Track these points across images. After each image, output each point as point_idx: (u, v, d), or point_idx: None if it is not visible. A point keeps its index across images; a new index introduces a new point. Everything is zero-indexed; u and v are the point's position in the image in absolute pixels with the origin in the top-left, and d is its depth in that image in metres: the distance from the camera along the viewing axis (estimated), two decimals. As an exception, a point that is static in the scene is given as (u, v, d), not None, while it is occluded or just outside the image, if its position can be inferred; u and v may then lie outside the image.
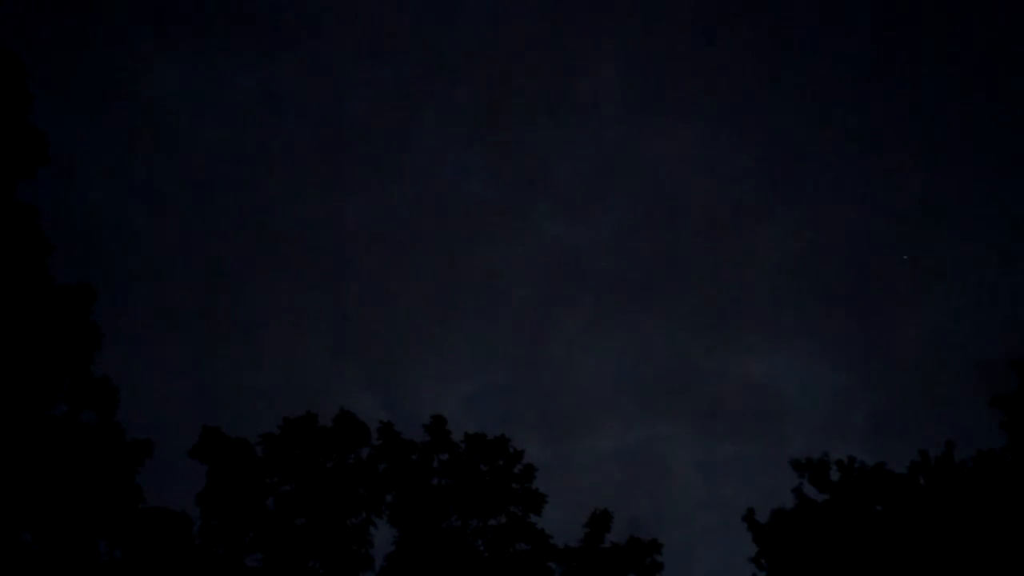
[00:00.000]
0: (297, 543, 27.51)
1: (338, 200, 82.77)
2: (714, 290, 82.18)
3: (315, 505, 28.04)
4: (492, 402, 73.76)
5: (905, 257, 74.30)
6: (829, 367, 75.05)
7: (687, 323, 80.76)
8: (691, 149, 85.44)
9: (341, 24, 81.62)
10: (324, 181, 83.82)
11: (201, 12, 78.36)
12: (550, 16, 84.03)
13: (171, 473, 27.60)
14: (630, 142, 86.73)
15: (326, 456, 28.75)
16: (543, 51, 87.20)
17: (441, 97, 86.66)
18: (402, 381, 72.71)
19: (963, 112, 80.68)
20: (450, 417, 29.97)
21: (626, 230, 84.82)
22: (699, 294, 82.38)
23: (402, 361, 75.24)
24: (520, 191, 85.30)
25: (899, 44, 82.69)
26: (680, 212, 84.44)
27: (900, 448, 56.00)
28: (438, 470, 29.63)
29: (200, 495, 27.72)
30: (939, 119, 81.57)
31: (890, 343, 75.16)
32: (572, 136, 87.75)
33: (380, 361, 74.69)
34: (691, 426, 73.43)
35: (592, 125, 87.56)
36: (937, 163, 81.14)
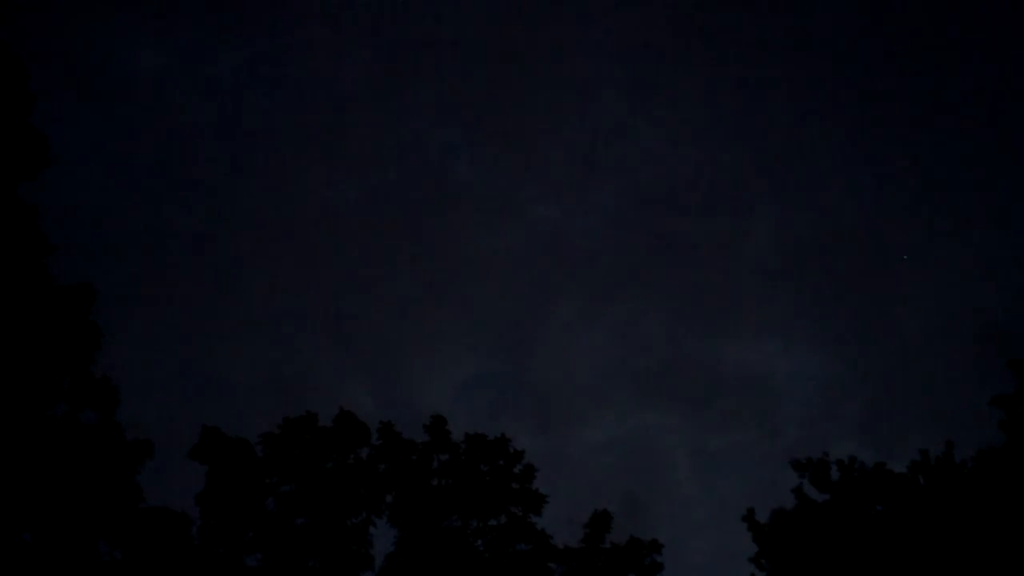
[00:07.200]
0: (297, 543, 27.56)
1: (327, 187, 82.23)
2: (708, 278, 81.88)
3: (315, 505, 28.09)
4: (483, 391, 73.72)
5: (905, 257, 74.30)
6: (824, 357, 74.91)
7: (680, 311, 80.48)
8: (686, 135, 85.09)
9: (330, 6, 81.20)
10: (314, 168, 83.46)
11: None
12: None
13: (171, 473, 27.66)
14: (624, 127, 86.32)
15: (326, 456, 28.80)
16: (536, 35, 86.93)
17: (431, 81, 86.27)
18: (392, 370, 72.49)
19: (963, 107, 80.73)
20: (441, 406, 30.11)
21: (619, 217, 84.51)
22: (693, 282, 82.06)
23: (392, 350, 75.05)
24: (511, 176, 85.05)
25: (898, 36, 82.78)
26: (674, 199, 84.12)
27: (895, 441, 56.22)
28: (438, 470, 29.67)
29: (200, 495, 27.77)
30: (938, 112, 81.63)
31: (886, 334, 75.15)
32: (565, 121, 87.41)
33: (370, 350, 74.55)
34: (684, 415, 73.36)
35: (585, 109, 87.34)
36: (936, 156, 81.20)
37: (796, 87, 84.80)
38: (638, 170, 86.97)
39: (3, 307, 22.10)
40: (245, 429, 28.86)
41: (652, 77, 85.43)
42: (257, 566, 27.34)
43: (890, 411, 65.24)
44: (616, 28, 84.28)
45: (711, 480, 69.29)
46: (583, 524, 29.75)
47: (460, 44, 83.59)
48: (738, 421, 71.12)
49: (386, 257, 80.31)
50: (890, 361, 72.65)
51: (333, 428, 29.17)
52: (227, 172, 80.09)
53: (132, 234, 73.45)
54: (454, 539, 28.76)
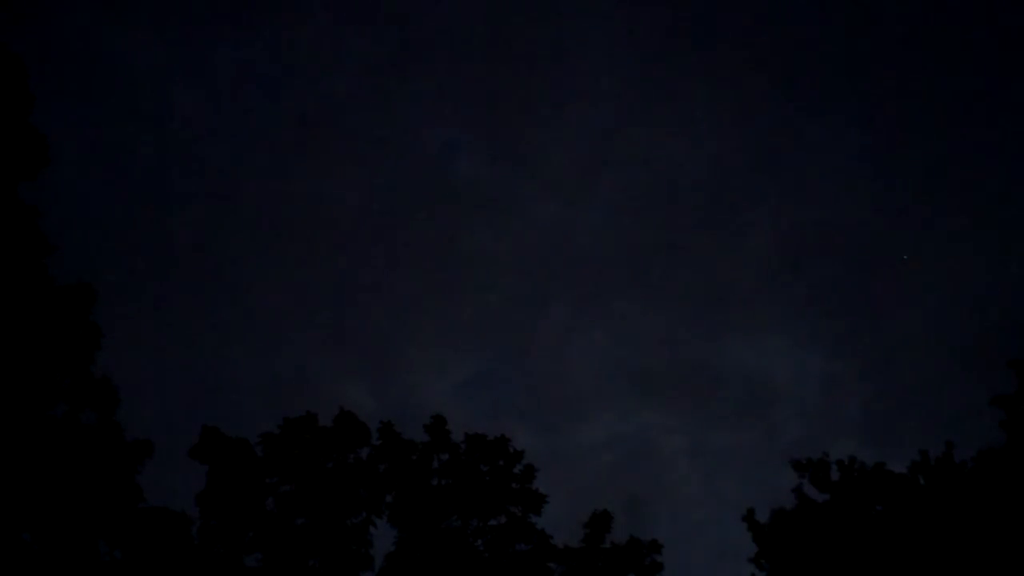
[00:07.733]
0: (297, 543, 27.55)
1: (327, 187, 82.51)
2: (708, 277, 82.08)
3: (315, 505, 28.08)
4: (483, 391, 73.83)
5: (905, 257, 74.35)
6: (824, 357, 75.14)
7: (681, 310, 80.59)
8: (686, 135, 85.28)
9: (329, 5, 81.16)
10: (313, 168, 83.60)
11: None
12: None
13: (171, 473, 27.66)
14: (624, 126, 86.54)
15: (326, 456, 28.79)
16: (537, 33, 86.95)
17: (431, 79, 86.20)
18: (392, 370, 72.58)
19: (963, 107, 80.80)
20: (441, 407, 30.11)
21: (619, 216, 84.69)
22: (693, 281, 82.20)
23: (392, 350, 75.08)
24: (511, 176, 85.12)
25: (898, 36, 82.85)
26: (674, 198, 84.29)
27: (895, 441, 56.27)
28: (438, 470, 29.67)
29: (200, 495, 27.78)
30: (938, 112, 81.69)
31: (887, 334, 75.23)
32: (565, 120, 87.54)
33: (370, 350, 74.57)
34: (684, 415, 73.50)
35: (586, 108, 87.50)
36: (937, 156, 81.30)
37: (796, 87, 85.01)
38: (638, 169, 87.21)
39: (3, 307, 22.09)
40: (245, 429, 28.93)
41: (653, 76, 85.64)
42: (257, 566, 27.34)
43: (890, 411, 65.34)
44: (617, 27, 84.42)
45: (711, 480, 69.41)
46: (583, 524, 29.76)
47: (460, 42, 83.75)
48: (738, 420, 71.34)
49: (386, 257, 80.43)
50: (890, 361, 72.76)
51: (333, 428, 29.16)
52: (226, 171, 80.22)
53: (132, 234, 73.51)
54: (454, 539, 28.75)
